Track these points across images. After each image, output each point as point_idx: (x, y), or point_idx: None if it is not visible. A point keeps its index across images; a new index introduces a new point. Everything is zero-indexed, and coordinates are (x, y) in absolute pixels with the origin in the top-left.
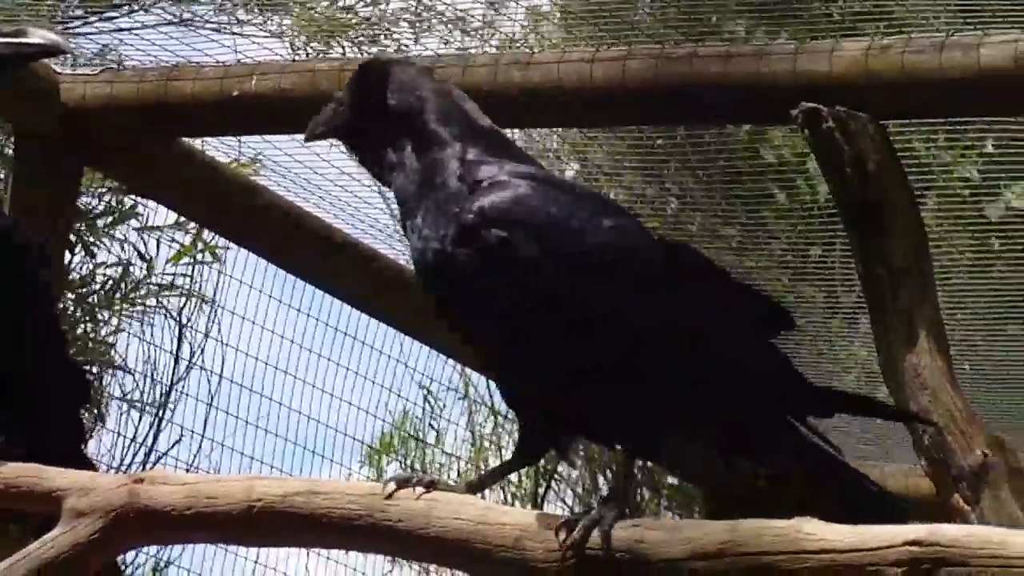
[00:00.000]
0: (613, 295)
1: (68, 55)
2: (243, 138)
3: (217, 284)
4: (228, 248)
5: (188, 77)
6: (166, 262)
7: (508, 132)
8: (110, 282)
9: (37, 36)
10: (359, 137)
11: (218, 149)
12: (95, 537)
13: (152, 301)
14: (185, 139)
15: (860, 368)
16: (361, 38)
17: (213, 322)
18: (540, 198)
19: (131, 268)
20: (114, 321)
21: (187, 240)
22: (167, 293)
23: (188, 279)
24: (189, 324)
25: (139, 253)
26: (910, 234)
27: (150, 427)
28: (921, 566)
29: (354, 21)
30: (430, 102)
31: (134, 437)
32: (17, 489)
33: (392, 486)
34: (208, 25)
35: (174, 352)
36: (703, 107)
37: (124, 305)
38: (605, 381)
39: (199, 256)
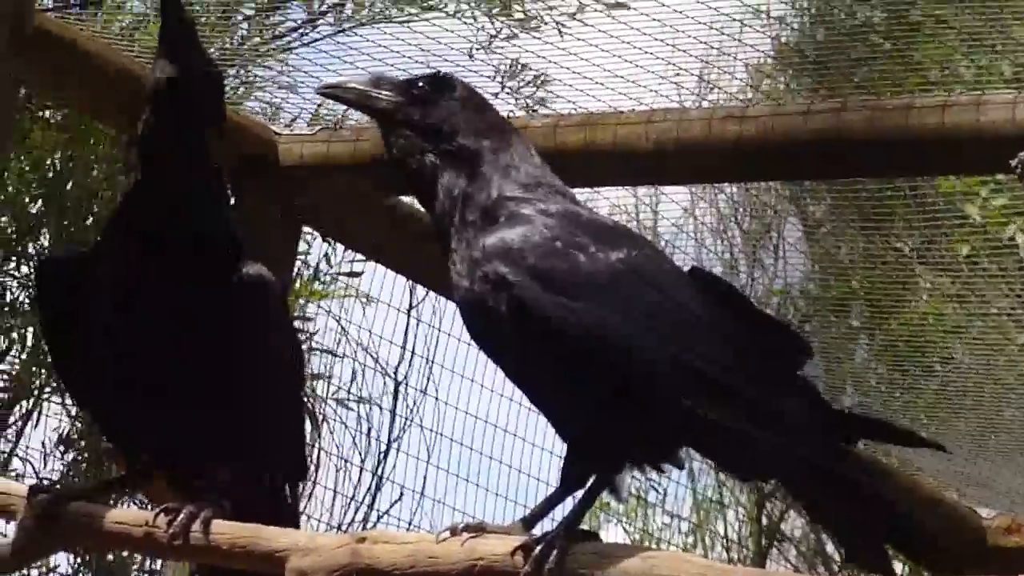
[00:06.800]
0: (619, 326)
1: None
2: None
3: (435, 342)
4: (446, 306)
5: None
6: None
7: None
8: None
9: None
10: (407, 137)
11: None
12: None
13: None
14: (403, 197)
15: None
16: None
17: (428, 379)
18: (548, 233)
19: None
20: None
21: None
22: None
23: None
24: (405, 381)
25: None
26: None
27: (369, 486)
28: None
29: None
30: (493, 134)
31: (353, 496)
32: (242, 549)
33: (446, 534)
34: None
35: (391, 410)
36: (920, 158)
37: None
38: (621, 411)
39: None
